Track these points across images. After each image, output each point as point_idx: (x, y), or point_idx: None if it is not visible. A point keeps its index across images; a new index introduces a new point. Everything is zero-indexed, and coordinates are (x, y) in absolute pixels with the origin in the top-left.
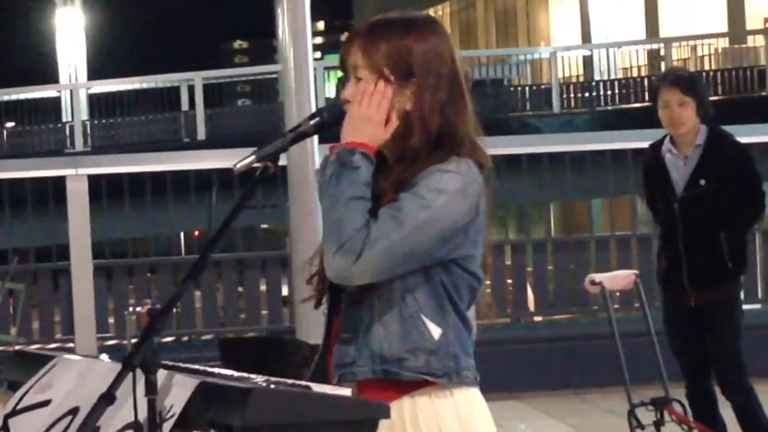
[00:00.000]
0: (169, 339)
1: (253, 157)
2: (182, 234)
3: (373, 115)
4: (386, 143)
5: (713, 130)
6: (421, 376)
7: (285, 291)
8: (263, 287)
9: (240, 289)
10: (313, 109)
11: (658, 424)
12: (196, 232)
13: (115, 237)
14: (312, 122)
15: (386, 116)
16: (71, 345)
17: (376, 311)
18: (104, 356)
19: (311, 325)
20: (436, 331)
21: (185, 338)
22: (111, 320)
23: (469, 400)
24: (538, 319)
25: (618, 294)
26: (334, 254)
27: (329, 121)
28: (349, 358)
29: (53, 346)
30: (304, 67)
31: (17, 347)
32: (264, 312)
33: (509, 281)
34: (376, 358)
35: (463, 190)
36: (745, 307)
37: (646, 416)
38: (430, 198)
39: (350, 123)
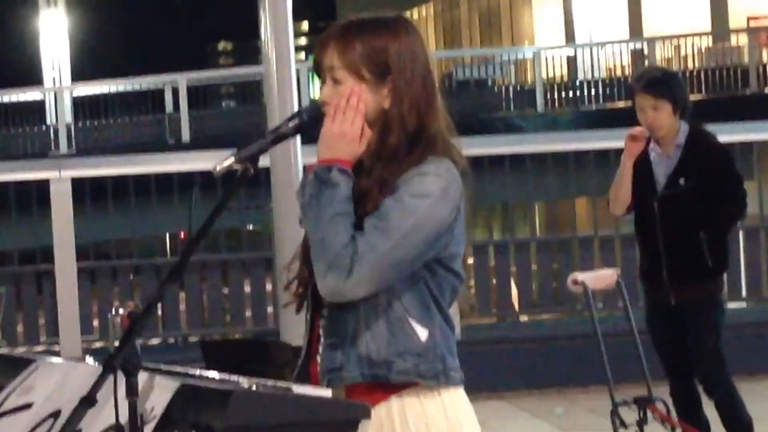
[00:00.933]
0: (155, 341)
1: (232, 158)
2: (167, 235)
3: (348, 130)
4: (369, 142)
5: (694, 129)
6: (410, 379)
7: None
8: (248, 289)
9: (225, 290)
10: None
11: (641, 423)
12: (182, 234)
13: (98, 239)
14: (291, 124)
15: (360, 130)
16: (56, 348)
17: (362, 315)
18: (89, 359)
19: (295, 327)
20: (423, 333)
21: (170, 340)
22: (95, 322)
23: (456, 399)
24: (523, 318)
25: (601, 293)
26: (325, 274)
27: (308, 123)
28: (336, 363)
29: (39, 349)
30: (287, 68)
31: None
32: (248, 314)
33: (493, 281)
34: (363, 362)
35: (444, 191)
36: (729, 305)
37: (630, 415)
38: (413, 204)
39: (325, 140)
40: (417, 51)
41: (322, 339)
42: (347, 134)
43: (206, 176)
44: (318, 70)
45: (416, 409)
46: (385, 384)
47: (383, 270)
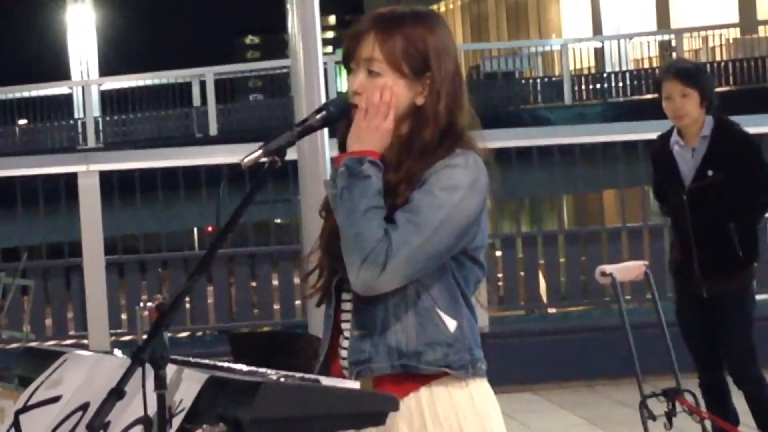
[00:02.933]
0: (183, 334)
1: (260, 151)
2: (195, 229)
3: (381, 125)
4: (393, 137)
5: (719, 120)
6: (440, 369)
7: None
8: (276, 282)
9: (252, 283)
10: None
11: (670, 414)
12: (210, 228)
13: (126, 233)
14: (318, 116)
15: (392, 125)
16: (85, 341)
17: (391, 307)
18: (117, 352)
19: (323, 320)
20: (452, 324)
21: (198, 333)
22: (123, 316)
23: (483, 390)
24: (551, 311)
25: (630, 285)
26: (359, 268)
27: (336, 115)
28: (366, 354)
29: (67, 342)
30: (314, 61)
31: (28, 344)
32: (276, 306)
33: (521, 273)
34: (393, 353)
35: (473, 183)
36: (758, 297)
37: (658, 407)
38: (444, 197)
39: (357, 133)
40: (450, 46)
41: (345, 333)
42: (380, 128)
43: (234, 169)
44: (348, 60)
45: (445, 400)
46: (414, 375)
47: (416, 263)
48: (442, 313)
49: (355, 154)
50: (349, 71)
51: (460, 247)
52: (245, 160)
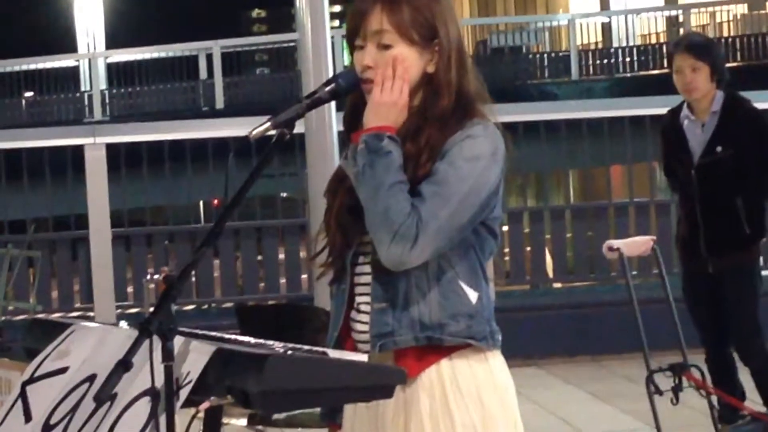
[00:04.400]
0: (189, 307)
1: (268, 124)
2: (201, 202)
3: (397, 99)
4: (408, 107)
5: (730, 96)
6: (464, 341)
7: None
8: (282, 255)
9: (259, 257)
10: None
11: (676, 389)
12: (216, 201)
13: (133, 205)
14: (327, 89)
15: (407, 99)
16: (91, 314)
17: (413, 279)
18: (123, 324)
19: (334, 295)
20: (473, 296)
21: (204, 306)
22: (130, 289)
23: (500, 363)
24: (557, 285)
25: (637, 260)
26: (390, 244)
27: (344, 89)
28: (389, 327)
29: (73, 314)
30: (322, 35)
31: (35, 315)
32: (282, 280)
33: (528, 248)
34: (416, 325)
35: (494, 153)
36: (764, 273)
37: (665, 382)
38: (468, 168)
39: (374, 108)
40: (453, 13)
41: (363, 308)
42: (397, 103)
43: (241, 142)
44: (353, 37)
45: (466, 372)
46: (436, 347)
47: (445, 236)
48: (464, 285)
49: (372, 130)
50: (353, 49)
51: (481, 217)
52: (253, 133)
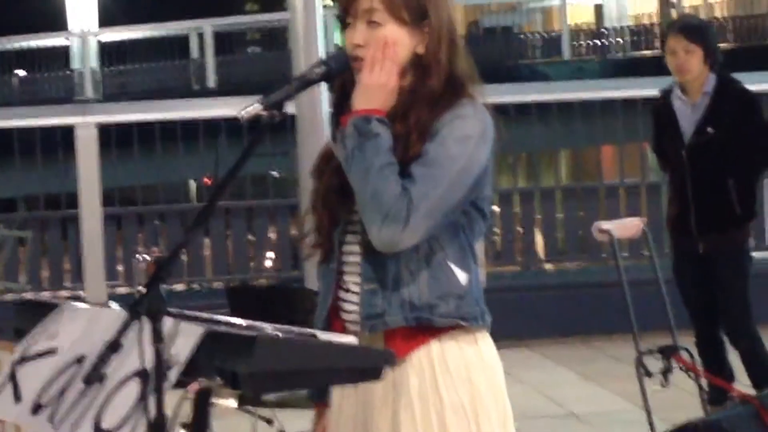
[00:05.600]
0: (179, 287)
1: (258, 105)
2: (192, 182)
3: (386, 81)
4: (400, 88)
5: (722, 77)
6: (454, 321)
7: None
8: (272, 235)
9: (249, 237)
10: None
11: (666, 371)
12: (207, 180)
13: (124, 185)
14: (318, 70)
15: (396, 81)
16: (81, 293)
17: (403, 261)
18: (113, 304)
19: (321, 275)
20: (462, 277)
21: (195, 286)
22: (120, 268)
23: (489, 344)
24: (547, 266)
25: (627, 241)
26: (381, 226)
27: (335, 70)
28: (378, 308)
29: (63, 293)
30: (312, 14)
31: (24, 295)
32: (273, 258)
33: (519, 229)
34: (406, 306)
35: (483, 133)
36: (754, 254)
37: (654, 364)
38: (459, 148)
39: (363, 91)
40: None
41: (353, 288)
42: (386, 85)
43: (232, 122)
44: (345, 14)
45: (456, 353)
46: (426, 328)
47: (436, 216)
48: (453, 266)
49: (361, 113)
50: (344, 27)
51: (471, 198)
52: (243, 114)
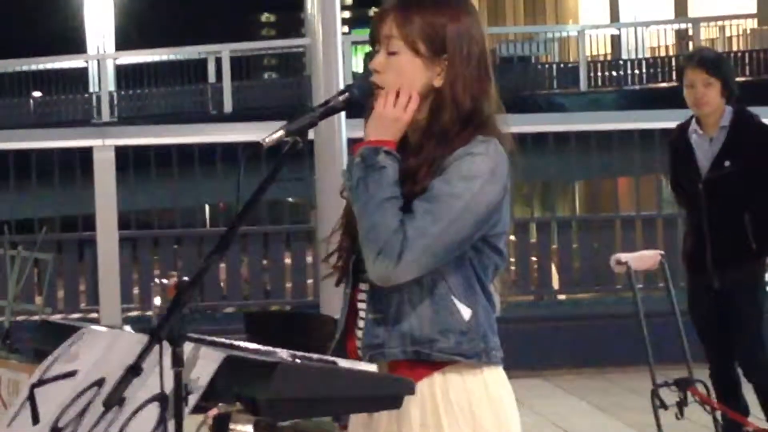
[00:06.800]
0: (192, 311)
1: (282, 131)
2: (207, 206)
3: (401, 115)
4: (414, 121)
5: (739, 111)
6: (452, 358)
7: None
8: (288, 261)
9: (264, 262)
10: (341, 84)
11: (681, 404)
12: (221, 205)
13: (141, 208)
14: (341, 98)
15: (411, 117)
16: (95, 315)
17: (406, 293)
18: (127, 327)
19: (335, 301)
20: (466, 312)
21: (209, 311)
22: (135, 291)
23: (497, 378)
24: (561, 297)
25: (642, 273)
26: (374, 260)
27: (358, 97)
28: (379, 339)
29: (77, 316)
30: (333, 41)
31: (44, 317)
32: (288, 285)
33: (533, 259)
34: (406, 339)
35: (492, 171)
36: None
37: (670, 396)
38: (463, 186)
39: (375, 121)
40: (474, 32)
41: (361, 314)
42: (400, 118)
43: (253, 147)
44: (373, 40)
45: (458, 385)
46: (427, 362)
47: (433, 254)
48: (457, 301)
49: (372, 144)
50: (375, 52)
51: (479, 235)
52: (267, 140)
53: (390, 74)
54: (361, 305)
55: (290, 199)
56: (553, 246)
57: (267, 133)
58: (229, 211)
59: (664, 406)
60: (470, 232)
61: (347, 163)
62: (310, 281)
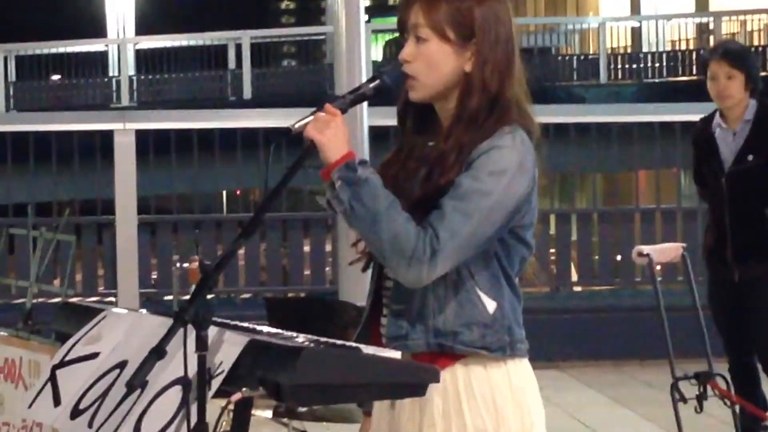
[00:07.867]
0: (210, 296)
1: (311, 117)
2: (224, 192)
3: (337, 131)
4: (443, 104)
5: (762, 105)
6: (475, 351)
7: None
8: (307, 248)
9: (283, 249)
10: (364, 72)
11: (701, 398)
12: (238, 192)
13: (160, 193)
14: (372, 85)
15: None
16: (112, 299)
17: (430, 285)
18: (143, 311)
19: (353, 288)
20: (491, 305)
21: (224, 296)
22: (154, 275)
23: (521, 370)
24: (577, 289)
25: (662, 267)
26: (407, 269)
27: (389, 85)
28: (403, 330)
29: (95, 299)
30: (356, 29)
31: (65, 299)
32: (306, 272)
33: (552, 250)
34: (430, 331)
35: (521, 164)
36: None
37: (689, 390)
38: (492, 182)
39: (326, 145)
40: (501, 15)
41: (386, 304)
42: (337, 134)
43: (282, 133)
44: (401, 28)
45: (481, 375)
46: (450, 353)
47: (465, 252)
48: (482, 294)
49: (340, 163)
50: (403, 43)
51: (509, 227)
52: (296, 126)
53: (420, 63)
54: (386, 293)
55: (309, 187)
56: (572, 238)
57: (288, 119)
58: (245, 198)
59: (684, 400)
60: (499, 226)
61: (327, 191)
62: (327, 268)
